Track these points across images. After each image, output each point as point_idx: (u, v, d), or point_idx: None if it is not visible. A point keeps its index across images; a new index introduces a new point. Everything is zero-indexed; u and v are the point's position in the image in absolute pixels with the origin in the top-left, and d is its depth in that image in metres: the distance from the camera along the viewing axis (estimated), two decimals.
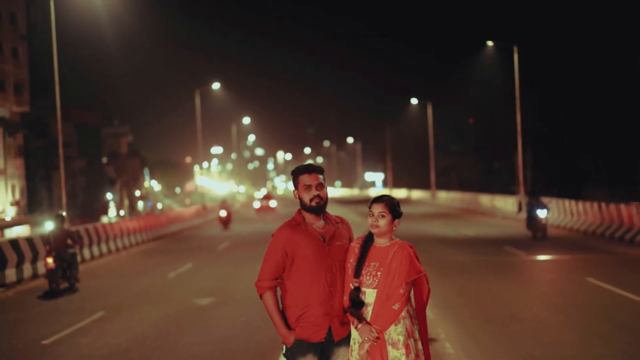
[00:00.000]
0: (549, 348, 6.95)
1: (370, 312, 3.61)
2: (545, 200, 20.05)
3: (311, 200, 3.74)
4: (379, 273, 3.62)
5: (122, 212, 67.93)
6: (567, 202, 21.98)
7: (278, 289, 3.83)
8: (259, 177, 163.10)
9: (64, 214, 13.13)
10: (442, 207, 40.36)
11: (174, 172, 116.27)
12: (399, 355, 3.54)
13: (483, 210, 32.64)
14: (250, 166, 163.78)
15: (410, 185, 67.46)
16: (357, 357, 3.62)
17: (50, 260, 11.67)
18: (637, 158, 46.30)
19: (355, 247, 3.74)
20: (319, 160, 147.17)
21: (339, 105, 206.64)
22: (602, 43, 50.00)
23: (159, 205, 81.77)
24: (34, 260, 13.90)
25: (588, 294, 9.93)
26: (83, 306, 10.43)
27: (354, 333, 3.65)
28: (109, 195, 66.69)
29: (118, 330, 8.55)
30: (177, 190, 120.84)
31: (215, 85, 39.56)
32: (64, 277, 12.00)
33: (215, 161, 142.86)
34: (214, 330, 8.32)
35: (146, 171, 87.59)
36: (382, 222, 3.65)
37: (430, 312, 8.69)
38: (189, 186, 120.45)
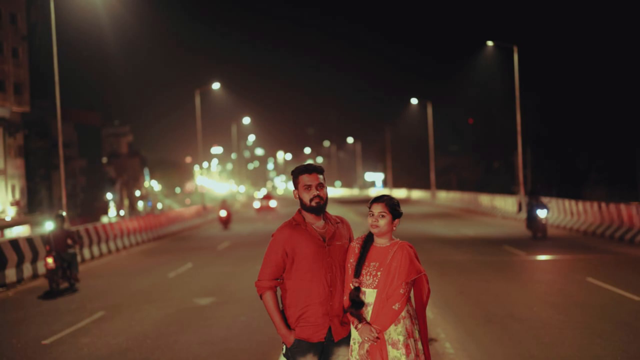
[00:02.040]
0: (549, 347, 6.96)
1: (370, 312, 3.61)
2: (545, 200, 20.03)
3: (311, 200, 3.74)
4: (379, 273, 3.63)
5: (122, 212, 67.94)
6: (567, 202, 21.98)
7: (278, 288, 3.83)
8: (259, 177, 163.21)
9: (64, 214, 13.13)
10: (441, 207, 40.37)
11: (174, 172, 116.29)
12: (399, 355, 3.54)
13: (483, 210, 32.65)
14: (250, 166, 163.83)
15: (410, 185, 67.51)
16: (357, 357, 3.62)
17: (50, 260, 11.67)
18: (636, 158, 46.30)
19: (355, 247, 3.74)
20: (319, 160, 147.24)
21: (338, 106, 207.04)
22: (602, 43, 50.03)
23: (159, 205, 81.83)
24: (34, 260, 13.91)
25: (588, 294, 9.93)
26: (83, 306, 10.43)
27: (354, 333, 3.65)
28: (109, 195, 66.71)
29: (118, 330, 8.55)
30: (177, 190, 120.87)
31: (215, 85, 39.55)
32: (64, 277, 12.01)
33: (215, 161, 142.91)
34: (213, 330, 8.32)
35: (146, 171, 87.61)
36: (382, 222, 3.65)
37: (430, 312, 8.70)
38: (189, 186, 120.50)
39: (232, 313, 9.35)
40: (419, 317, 3.69)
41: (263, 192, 71.80)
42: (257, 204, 45.92)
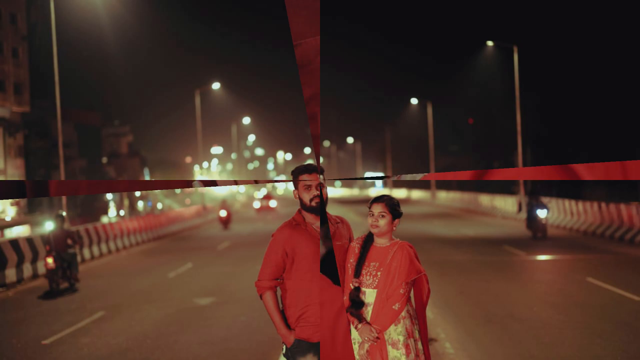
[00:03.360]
0: (549, 347, 6.96)
1: (370, 312, 3.61)
2: (545, 200, 20.05)
3: (311, 200, 3.74)
4: (379, 273, 3.62)
5: (122, 212, 67.92)
6: (567, 202, 21.99)
7: (278, 288, 3.83)
8: (259, 177, 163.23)
9: (64, 214, 13.12)
10: (442, 207, 40.37)
11: (174, 172, 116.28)
12: (399, 355, 3.54)
13: (483, 210, 32.64)
14: (250, 166, 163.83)
15: (410, 185, 67.48)
16: (357, 357, 3.61)
17: (50, 260, 11.68)
18: (636, 158, 46.22)
19: (355, 247, 3.74)
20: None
21: (338, 106, 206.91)
22: (602, 43, 50.03)
23: (159, 205, 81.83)
24: (34, 260, 13.91)
25: (588, 294, 9.93)
26: (83, 306, 10.43)
27: (354, 333, 3.65)
28: (109, 195, 66.63)
29: (118, 330, 8.55)
30: (177, 190, 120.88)
31: (215, 85, 39.54)
32: (64, 277, 12.02)
33: (215, 161, 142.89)
34: (213, 330, 8.32)
35: (146, 171, 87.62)
36: (382, 222, 3.65)
37: (430, 312, 8.70)
38: None
39: (232, 313, 9.35)
40: (419, 317, 3.69)
41: (263, 192, 71.72)
42: (257, 204, 45.94)
